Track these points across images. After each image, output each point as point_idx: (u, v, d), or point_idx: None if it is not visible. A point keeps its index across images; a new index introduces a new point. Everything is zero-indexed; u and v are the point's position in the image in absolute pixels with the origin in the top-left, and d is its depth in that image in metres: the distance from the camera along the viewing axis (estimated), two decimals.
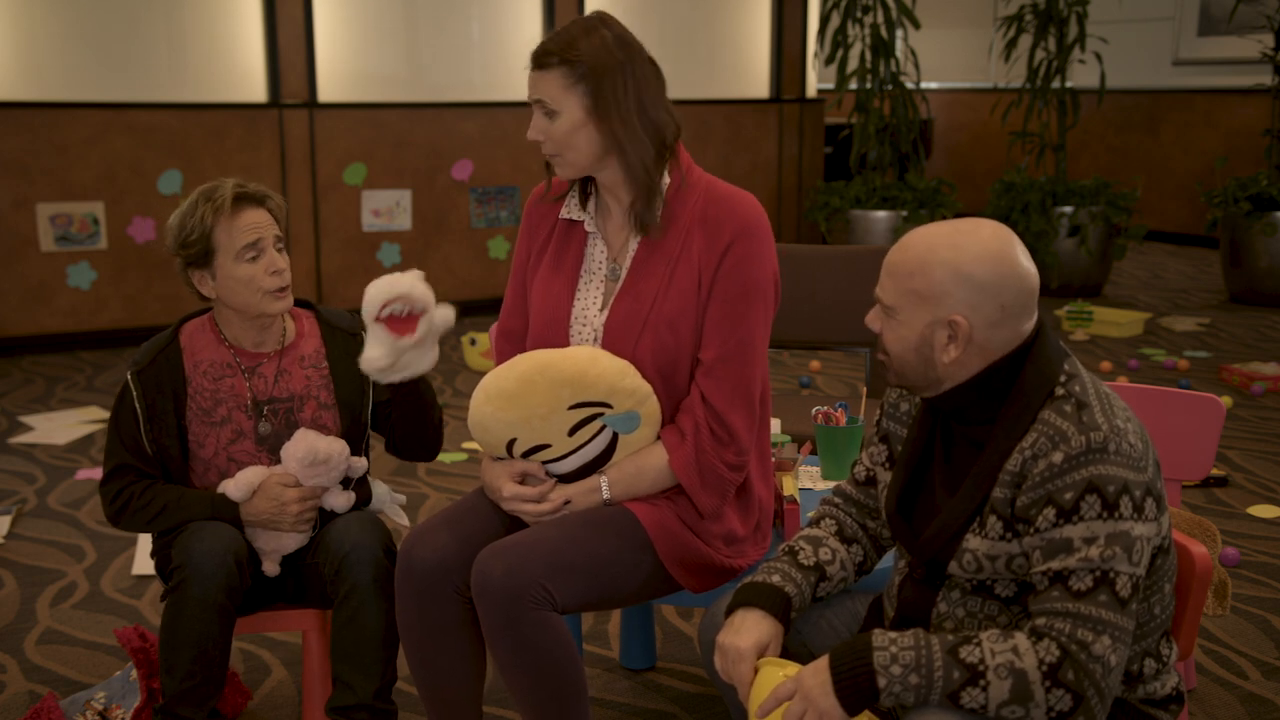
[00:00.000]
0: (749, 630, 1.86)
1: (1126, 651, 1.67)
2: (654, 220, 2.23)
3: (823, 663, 1.71)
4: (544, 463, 2.25)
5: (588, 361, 2.18)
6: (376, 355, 2.29)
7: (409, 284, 2.26)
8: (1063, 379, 1.76)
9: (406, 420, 2.53)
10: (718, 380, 2.20)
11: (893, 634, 1.70)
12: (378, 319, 2.27)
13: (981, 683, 1.64)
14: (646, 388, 2.20)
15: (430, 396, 2.52)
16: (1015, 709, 1.64)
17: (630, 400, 2.19)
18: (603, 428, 2.21)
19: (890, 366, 1.84)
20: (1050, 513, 1.68)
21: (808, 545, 1.98)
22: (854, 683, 1.67)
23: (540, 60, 2.19)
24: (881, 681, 1.67)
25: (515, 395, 2.19)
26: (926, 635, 1.69)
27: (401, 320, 2.28)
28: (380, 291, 2.25)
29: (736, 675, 1.84)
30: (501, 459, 2.28)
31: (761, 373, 2.26)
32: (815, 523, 2.06)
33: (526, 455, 2.25)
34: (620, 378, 2.18)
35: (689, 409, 2.22)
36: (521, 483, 2.26)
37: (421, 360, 2.35)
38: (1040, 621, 1.67)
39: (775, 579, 1.92)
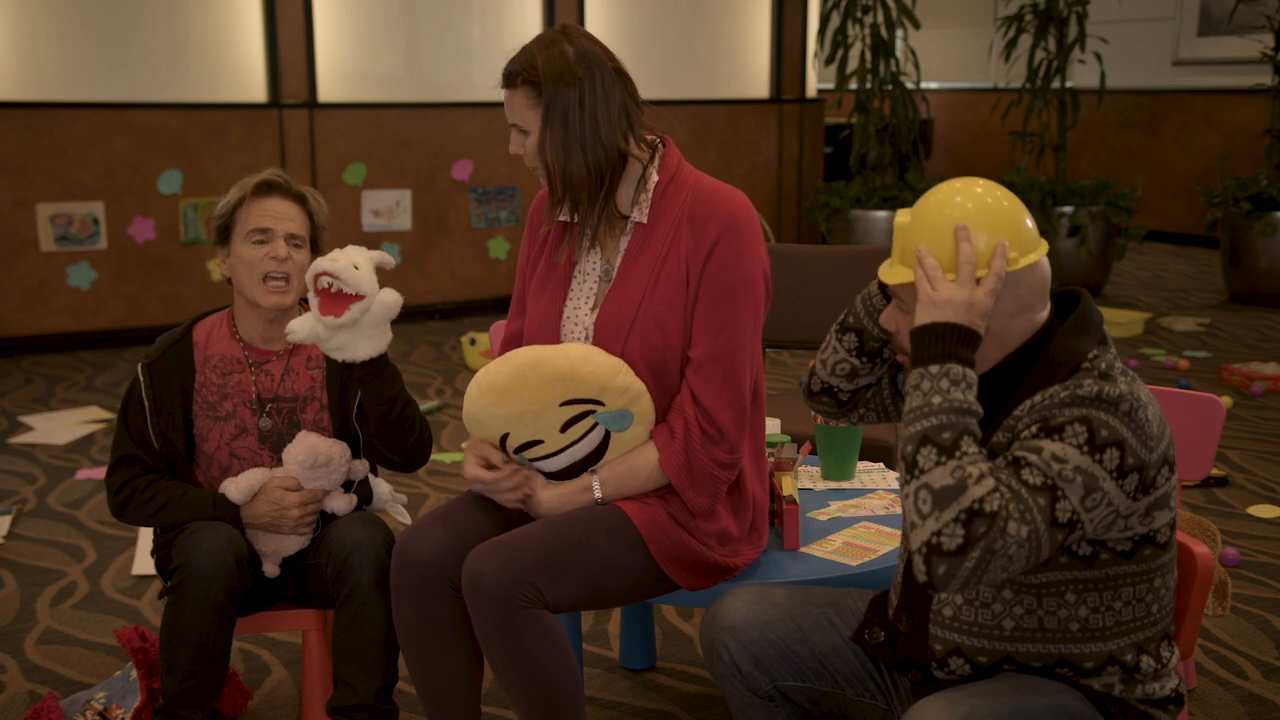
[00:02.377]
0: None
1: (1025, 564, 1.65)
2: (599, 228, 2.25)
3: (938, 309, 1.72)
4: (535, 459, 2.25)
5: (580, 358, 2.18)
6: (296, 325, 2.31)
7: (342, 267, 2.26)
8: (1091, 355, 1.77)
9: (373, 417, 2.45)
10: (707, 378, 2.20)
11: (973, 380, 1.71)
12: (315, 289, 2.29)
13: (942, 458, 1.65)
14: (639, 386, 2.20)
15: (392, 392, 2.42)
16: (926, 501, 1.65)
17: (622, 398, 2.19)
18: (595, 425, 2.21)
19: (910, 366, 1.84)
20: (1035, 428, 1.69)
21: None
22: (931, 339, 1.72)
23: (507, 80, 2.22)
24: (934, 368, 1.70)
25: (507, 390, 2.20)
26: (969, 409, 1.68)
27: (334, 297, 2.27)
28: (317, 263, 2.27)
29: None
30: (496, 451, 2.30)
31: (753, 370, 2.25)
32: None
33: (519, 451, 2.25)
34: (612, 375, 2.18)
35: (679, 407, 2.22)
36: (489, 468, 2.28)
37: (357, 344, 2.32)
38: (996, 477, 1.66)
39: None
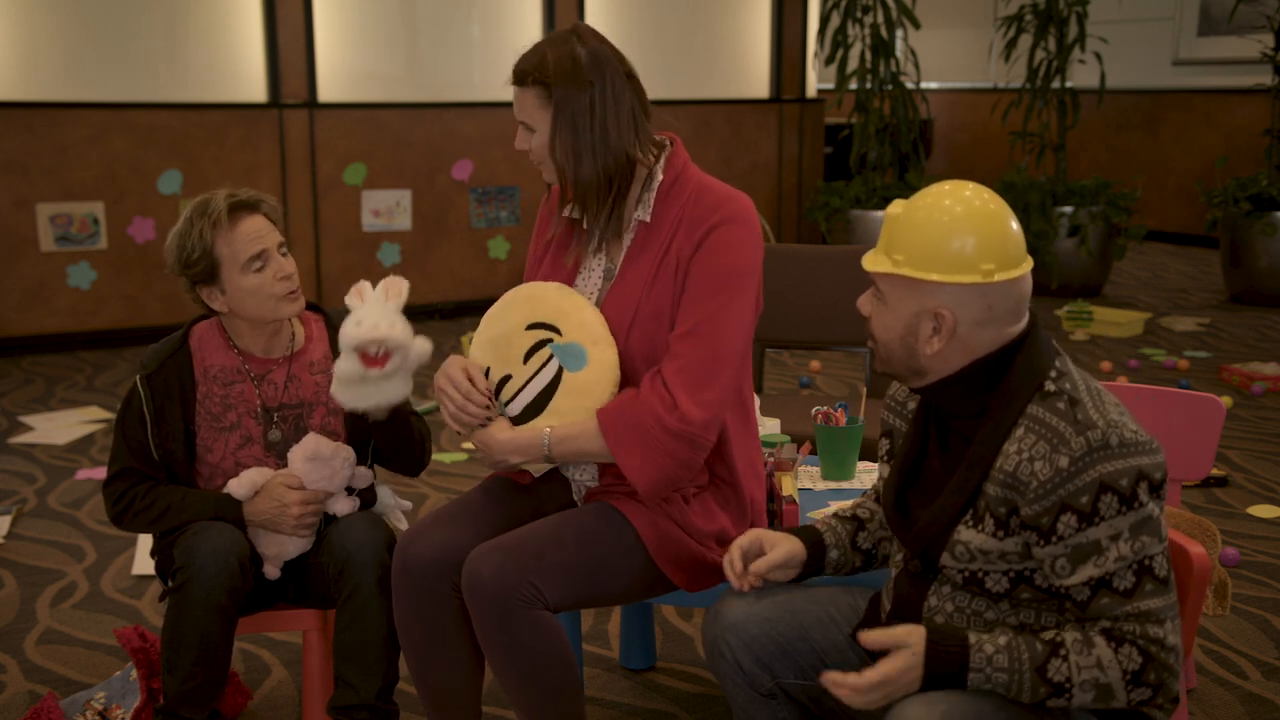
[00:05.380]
0: (761, 531, 2.02)
1: (1179, 621, 1.72)
2: (607, 232, 2.25)
3: (915, 660, 1.72)
4: (506, 401, 2.25)
5: (552, 286, 2.26)
6: (346, 371, 2.30)
7: (386, 330, 2.27)
8: (1052, 374, 1.78)
9: (382, 439, 2.52)
10: (675, 355, 2.15)
11: (985, 637, 1.73)
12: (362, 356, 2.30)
13: (1066, 695, 1.70)
14: (604, 335, 2.19)
15: (404, 413, 2.49)
16: (1098, 705, 1.71)
17: (580, 333, 2.19)
18: (551, 357, 2.21)
19: (876, 353, 1.89)
20: (1071, 519, 1.69)
21: (848, 507, 2.12)
22: (944, 678, 1.72)
23: (517, 78, 2.22)
24: (973, 681, 1.72)
25: (494, 315, 2.30)
26: (1017, 644, 1.71)
27: (375, 356, 2.30)
28: (360, 337, 2.26)
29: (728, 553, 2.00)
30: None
31: (732, 360, 2.17)
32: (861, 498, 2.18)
33: (498, 389, 2.26)
34: (576, 309, 2.21)
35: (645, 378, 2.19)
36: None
37: (392, 390, 2.34)
38: (1107, 624, 1.70)
39: (810, 522, 2.07)
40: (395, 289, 2.31)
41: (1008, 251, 1.78)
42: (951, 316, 1.77)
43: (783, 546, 2.00)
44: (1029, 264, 1.81)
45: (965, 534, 1.79)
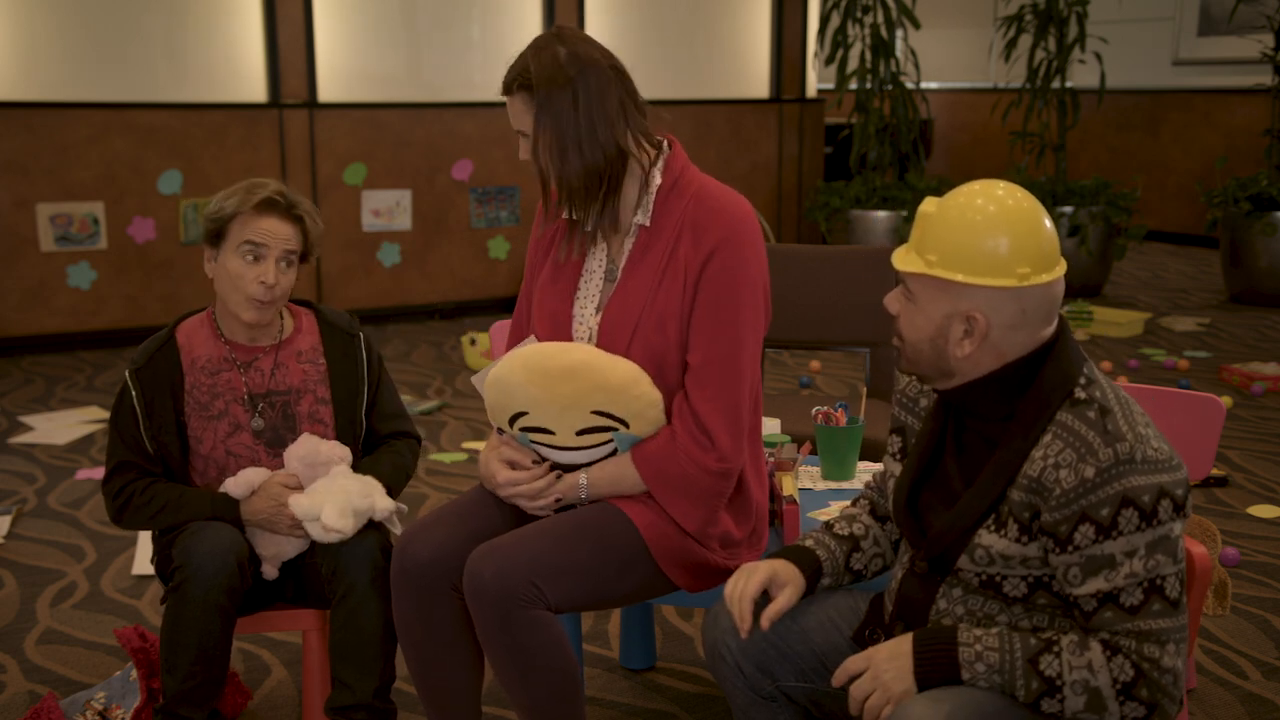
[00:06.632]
0: (767, 564, 1.94)
1: (1186, 644, 1.70)
2: (599, 226, 2.25)
3: (902, 647, 1.73)
4: (537, 443, 2.25)
5: (630, 380, 2.18)
6: (304, 514, 2.41)
7: (337, 535, 2.38)
8: (1082, 381, 1.76)
9: None
10: (702, 383, 2.19)
11: (977, 631, 1.73)
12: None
13: (1059, 695, 1.69)
14: (663, 422, 2.22)
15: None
16: (1091, 716, 1.69)
17: (648, 429, 2.22)
18: (609, 441, 2.22)
19: (903, 353, 1.85)
20: (1089, 530, 1.69)
21: (842, 520, 2.06)
22: (936, 670, 1.72)
23: (505, 87, 2.22)
24: (965, 675, 1.71)
25: (553, 378, 2.18)
26: (1010, 636, 1.72)
27: None
28: (313, 533, 2.40)
29: (735, 587, 1.92)
30: (500, 431, 2.30)
31: (751, 380, 2.24)
32: (853, 503, 2.13)
33: (525, 430, 2.25)
34: (650, 407, 2.19)
35: (674, 413, 2.22)
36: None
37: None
38: (1106, 636, 1.69)
39: (808, 543, 2.00)
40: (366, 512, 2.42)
41: (1042, 252, 1.76)
42: (984, 320, 1.75)
43: (789, 592, 1.94)
44: (1063, 266, 1.78)
45: (987, 538, 1.78)
